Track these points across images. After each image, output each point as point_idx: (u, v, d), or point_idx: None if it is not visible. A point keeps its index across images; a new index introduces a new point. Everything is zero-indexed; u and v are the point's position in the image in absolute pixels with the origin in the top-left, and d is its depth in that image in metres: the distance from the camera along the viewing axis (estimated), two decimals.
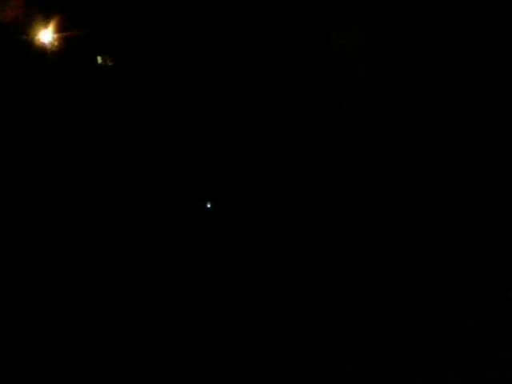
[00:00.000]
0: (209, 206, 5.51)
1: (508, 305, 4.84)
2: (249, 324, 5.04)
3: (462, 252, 5.07)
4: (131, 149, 5.52)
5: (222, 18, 5.53)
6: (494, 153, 5.26)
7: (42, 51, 5.38)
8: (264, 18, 5.52)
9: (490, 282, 4.95)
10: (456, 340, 4.74)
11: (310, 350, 4.87)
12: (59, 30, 5.38)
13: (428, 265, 5.09)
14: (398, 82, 5.45)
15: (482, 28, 5.33)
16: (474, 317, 4.82)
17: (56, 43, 5.39)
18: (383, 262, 5.16)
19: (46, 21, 5.35)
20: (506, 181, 5.18)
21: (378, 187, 5.37)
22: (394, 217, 5.28)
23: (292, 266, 5.23)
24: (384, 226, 5.28)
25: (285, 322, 5.02)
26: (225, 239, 5.37)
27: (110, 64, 5.55)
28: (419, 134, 5.37)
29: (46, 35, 5.36)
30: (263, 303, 5.11)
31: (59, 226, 5.29)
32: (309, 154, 5.51)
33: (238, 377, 4.82)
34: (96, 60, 5.54)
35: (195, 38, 5.54)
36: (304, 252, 5.26)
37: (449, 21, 5.38)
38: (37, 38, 5.35)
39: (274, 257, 5.26)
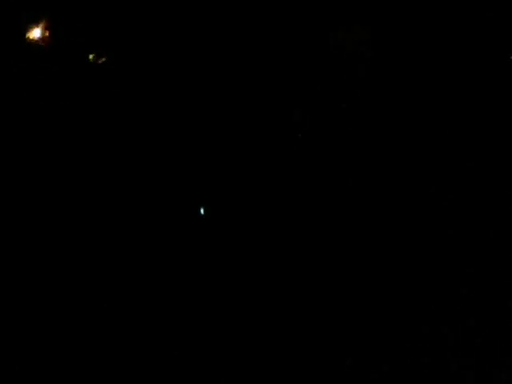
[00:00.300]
0: (202, 210, 5.50)
1: (508, 305, 4.84)
2: (247, 317, 5.04)
3: (462, 252, 5.07)
4: (128, 148, 5.51)
5: (220, 16, 5.53)
6: (494, 153, 5.27)
7: (35, 48, 5.37)
8: (263, 18, 5.52)
9: (490, 282, 4.95)
10: (456, 340, 4.74)
11: (310, 343, 4.88)
12: (52, 25, 5.37)
13: (428, 265, 5.10)
14: (399, 81, 5.45)
15: (482, 28, 5.33)
16: (473, 317, 4.83)
17: (49, 40, 5.37)
18: (383, 261, 5.16)
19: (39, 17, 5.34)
20: (506, 181, 5.18)
21: (377, 187, 5.38)
22: (394, 217, 5.29)
23: (292, 262, 5.23)
24: (384, 225, 5.28)
25: (284, 315, 5.03)
26: (225, 239, 5.37)
27: (105, 62, 5.53)
28: (419, 134, 5.38)
29: (39, 31, 5.34)
30: (262, 297, 5.12)
31: (58, 225, 5.29)
32: (308, 154, 5.51)
33: (238, 372, 4.82)
34: (88, 58, 5.51)
35: (193, 36, 5.54)
36: (304, 249, 5.27)
37: (450, 20, 5.39)
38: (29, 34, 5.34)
39: (273, 252, 5.26)
